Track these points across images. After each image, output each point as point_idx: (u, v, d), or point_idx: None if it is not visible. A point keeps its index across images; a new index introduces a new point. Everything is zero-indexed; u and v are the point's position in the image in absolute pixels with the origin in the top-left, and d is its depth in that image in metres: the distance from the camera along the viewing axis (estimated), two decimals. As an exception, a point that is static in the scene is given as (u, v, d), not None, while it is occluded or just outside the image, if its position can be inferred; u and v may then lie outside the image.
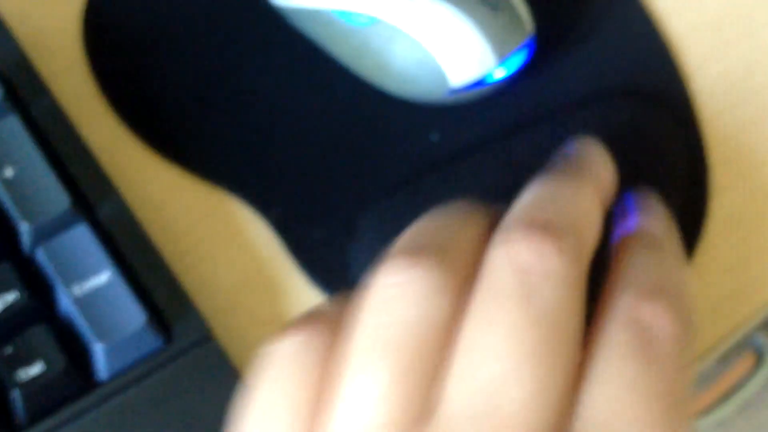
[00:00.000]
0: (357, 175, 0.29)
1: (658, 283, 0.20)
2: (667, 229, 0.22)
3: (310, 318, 0.20)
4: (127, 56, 0.31)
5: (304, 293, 0.27)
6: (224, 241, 0.27)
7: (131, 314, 0.23)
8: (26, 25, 0.31)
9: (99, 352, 0.23)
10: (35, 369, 0.23)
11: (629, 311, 0.19)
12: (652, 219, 0.23)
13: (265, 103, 0.30)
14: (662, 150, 0.29)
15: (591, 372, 0.18)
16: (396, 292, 0.19)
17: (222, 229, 0.28)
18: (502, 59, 0.28)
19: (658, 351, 0.18)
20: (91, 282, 0.23)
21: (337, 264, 0.27)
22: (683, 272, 0.21)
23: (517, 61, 0.29)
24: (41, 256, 0.24)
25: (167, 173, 0.28)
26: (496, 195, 0.28)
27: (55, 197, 0.24)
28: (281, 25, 0.31)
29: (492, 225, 0.21)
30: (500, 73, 0.29)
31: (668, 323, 0.19)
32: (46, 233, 0.24)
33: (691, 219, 0.28)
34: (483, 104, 0.30)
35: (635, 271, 0.20)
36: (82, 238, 0.24)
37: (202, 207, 0.28)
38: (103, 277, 0.23)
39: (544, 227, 0.19)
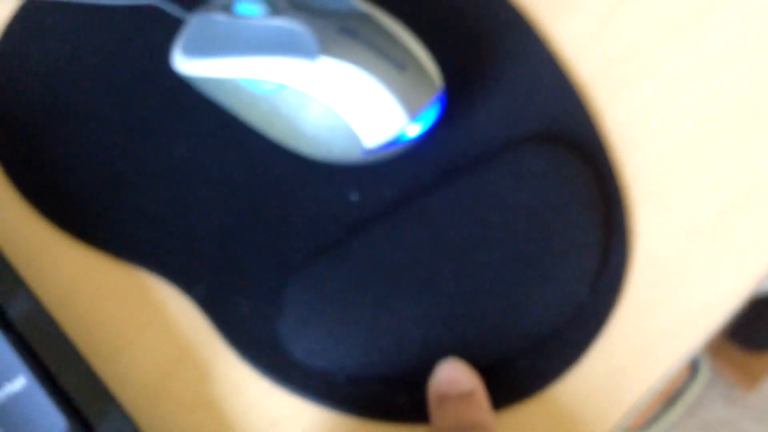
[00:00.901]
0: (279, 243, 0.28)
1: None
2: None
3: None
4: (31, 135, 0.30)
5: (234, 372, 0.27)
6: (145, 324, 0.27)
7: (50, 421, 0.22)
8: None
9: (19, 464, 0.22)
10: (-47, 486, 0.22)
11: None
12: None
13: (179, 175, 0.29)
14: (578, 193, 0.29)
15: None
16: None
17: (142, 312, 0.27)
18: (414, 117, 0.29)
19: None
20: (5, 390, 0.22)
21: (267, 338, 0.27)
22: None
23: (429, 117, 0.29)
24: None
25: (80, 256, 0.28)
26: (417, 254, 0.28)
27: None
28: (191, 93, 0.31)
29: None
30: (414, 130, 0.29)
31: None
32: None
33: (612, 261, 0.29)
34: (400, 160, 0.30)
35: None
36: (-8, 344, 0.23)
37: (120, 290, 0.27)
38: (18, 383, 0.22)
39: None
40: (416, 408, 0.26)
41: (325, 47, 0.28)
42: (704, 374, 0.63)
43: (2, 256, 0.25)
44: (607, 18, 0.33)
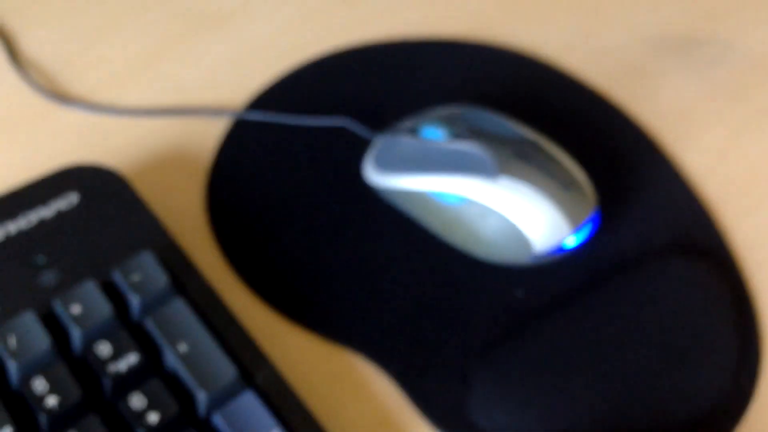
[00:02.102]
0: (459, 329, 0.33)
1: None
2: None
3: None
4: (248, 231, 0.35)
5: (427, 438, 0.31)
6: (351, 395, 0.32)
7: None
8: (158, 205, 0.36)
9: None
10: None
11: None
12: None
13: (374, 269, 0.35)
14: (714, 298, 0.34)
15: None
16: None
17: (348, 384, 0.32)
18: (575, 229, 0.34)
19: None
20: (265, 442, 0.27)
21: (455, 410, 0.32)
22: None
23: (587, 230, 0.34)
24: (219, 421, 0.28)
25: (296, 336, 0.33)
26: (582, 344, 0.33)
27: (224, 368, 0.29)
28: (378, 200, 0.36)
29: None
30: (574, 241, 0.34)
31: None
32: (219, 400, 0.28)
33: (749, 358, 0.33)
34: (560, 265, 0.35)
35: None
36: (250, 403, 0.28)
37: (330, 366, 0.32)
38: (274, 437, 0.27)
39: None
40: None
41: (503, 168, 0.34)
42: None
43: (248, 334, 0.31)
44: (729, 143, 0.39)
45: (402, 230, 0.36)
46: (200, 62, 0.41)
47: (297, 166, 0.37)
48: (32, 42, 0.41)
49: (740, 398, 0.33)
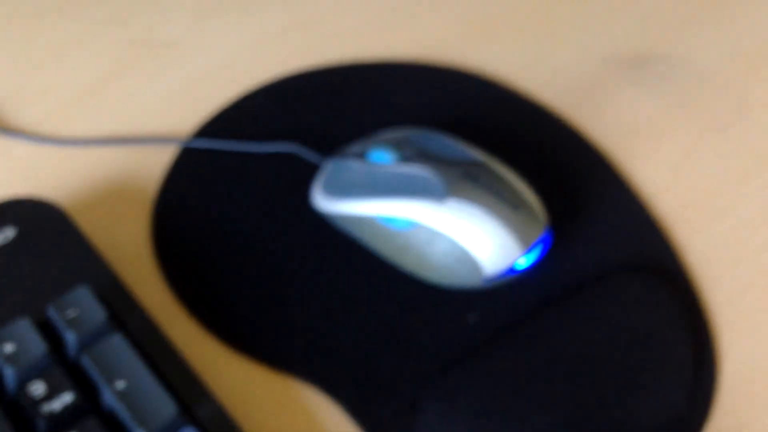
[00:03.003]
0: (410, 357, 0.33)
1: None
2: None
3: None
4: (194, 262, 0.35)
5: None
6: (302, 425, 0.31)
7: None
8: (101, 237, 0.35)
9: None
10: None
11: None
12: None
13: (324, 299, 0.34)
14: (668, 317, 0.34)
15: None
16: None
17: (299, 414, 0.31)
18: (525, 250, 0.33)
19: None
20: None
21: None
22: None
23: (538, 250, 0.34)
24: (159, 459, 0.27)
25: (241, 367, 0.32)
26: (534, 369, 0.32)
27: (163, 405, 0.28)
28: (328, 227, 0.36)
29: None
30: (525, 262, 0.34)
31: None
32: (159, 439, 0.27)
33: (704, 378, 0.33)
34: (511, 286, 0.34)
35: None
36: (191, 440, 0.27)
37: (276, 396, 0.32)
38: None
39: None
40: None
41: (452, 190, 0.33)
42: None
43: (189, 368, 0.30)
44: (682, 160, 0.38)
45: (351, 256, 0.35)
46: (148, 91, 0.40)
47: (245, 193, 0.37)
48: (-25, 74, 0.40)
49: (696, 417, 0.32)
